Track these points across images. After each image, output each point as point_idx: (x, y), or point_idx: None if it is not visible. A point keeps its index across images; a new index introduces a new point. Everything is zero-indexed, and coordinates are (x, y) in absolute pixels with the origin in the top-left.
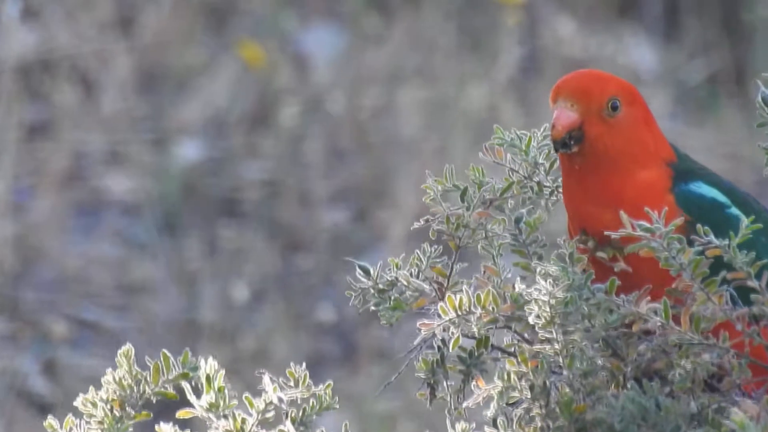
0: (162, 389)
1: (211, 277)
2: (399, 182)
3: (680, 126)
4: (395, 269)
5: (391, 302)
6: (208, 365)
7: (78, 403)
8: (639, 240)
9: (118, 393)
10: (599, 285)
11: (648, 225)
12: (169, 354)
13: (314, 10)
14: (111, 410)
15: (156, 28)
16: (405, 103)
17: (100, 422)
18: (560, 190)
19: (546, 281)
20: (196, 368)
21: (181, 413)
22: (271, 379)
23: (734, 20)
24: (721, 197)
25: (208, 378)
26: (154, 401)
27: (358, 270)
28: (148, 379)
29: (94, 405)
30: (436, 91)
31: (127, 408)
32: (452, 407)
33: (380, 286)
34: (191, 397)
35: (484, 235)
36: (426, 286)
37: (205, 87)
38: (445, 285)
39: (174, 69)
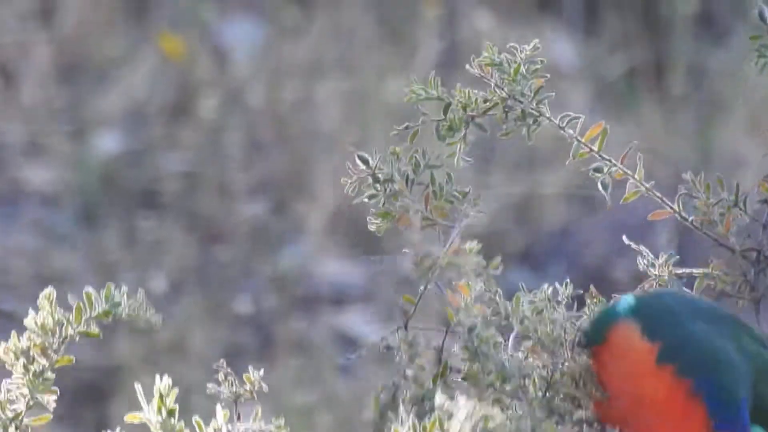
0: (85, 328)
1: (129, 269)
2: (318, 174)
3: (599, 121)
4: (396, 160)
5: (383, 202)
6: (163, 384)
7: None
8: None
9: (40, 338)
10: None
11: None
12: (92, 291)
13: (234, 2)
14: (33, 360)
15: (76, 19)
16: (324, 96)
17: (23, 372)
18: (542, 117)
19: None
20: (118, 304)
21: (129, 417)
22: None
23: (654, 15)
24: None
25: (161, 397)
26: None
27: (356, 159)
28: (71, 320)
29: (16, 355)
30: (355, 84)
31: (50, 353)
32: None
33: (379, 176)
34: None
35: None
36: (411, 204)
37: (125, 78)
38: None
39: (94, 60)
